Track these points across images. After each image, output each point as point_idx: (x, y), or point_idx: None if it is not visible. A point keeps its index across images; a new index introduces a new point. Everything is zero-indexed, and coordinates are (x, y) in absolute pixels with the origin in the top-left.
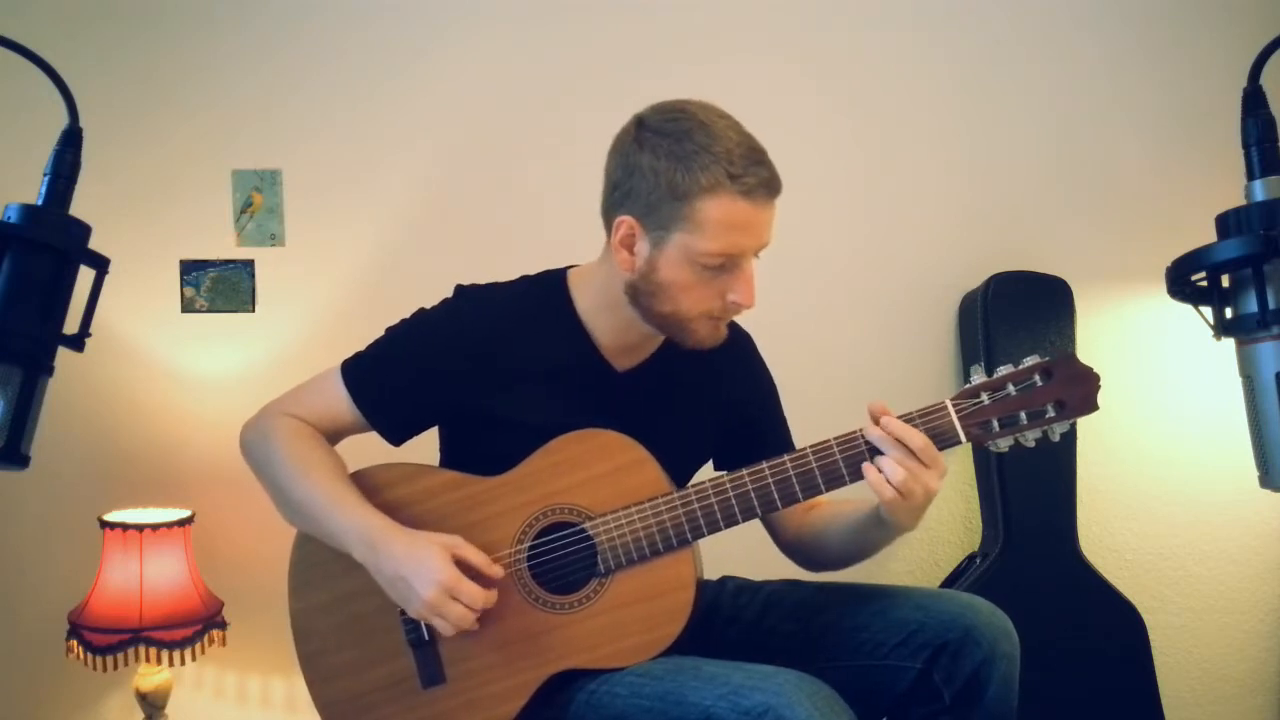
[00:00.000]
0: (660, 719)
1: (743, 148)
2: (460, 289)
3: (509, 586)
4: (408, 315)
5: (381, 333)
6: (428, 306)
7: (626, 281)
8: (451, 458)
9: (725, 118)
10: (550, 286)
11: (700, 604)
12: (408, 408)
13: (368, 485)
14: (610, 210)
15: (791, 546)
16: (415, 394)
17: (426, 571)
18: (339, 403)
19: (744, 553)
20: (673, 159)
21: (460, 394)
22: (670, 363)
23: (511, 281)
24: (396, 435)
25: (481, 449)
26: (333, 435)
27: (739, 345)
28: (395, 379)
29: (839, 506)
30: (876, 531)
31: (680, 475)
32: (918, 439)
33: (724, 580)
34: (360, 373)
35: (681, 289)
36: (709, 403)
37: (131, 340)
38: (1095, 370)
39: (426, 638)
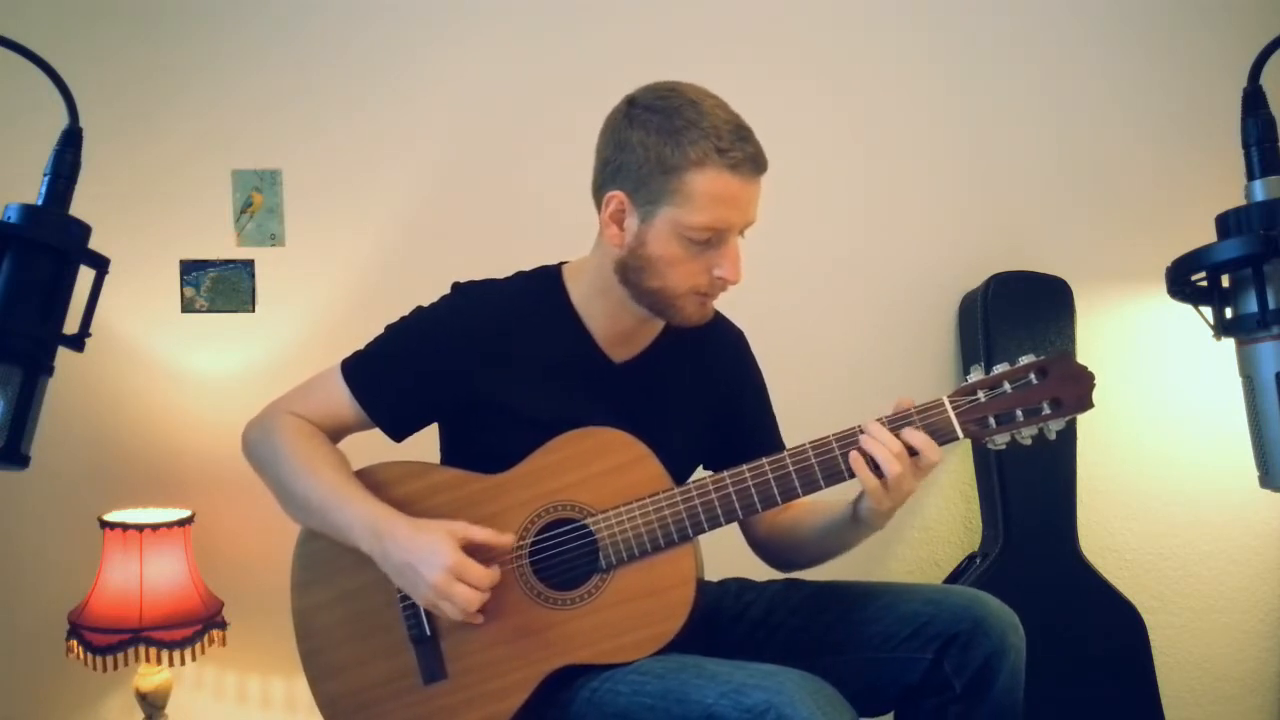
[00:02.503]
0: (662, 717)
1: (730, 125)
2: (458, 285)
3: (511, 583)
4: (407, 313)
5: (381, 331)
6: (426, 305)
7: (616, 259)
8: (451, 454)
9: (713, 97)
10: (546, 281)
11: (702, 603)
12: (408, 404)
13: (371, 483)
14: (601, 187)
15: (763, 544)
16: (415, 390)
17: (433, 556)
18: (341, 401)
19: (745, 554)
20: (662, 134)
21: (460, 389)
22: (666, 355)
23: (508, 278)
24: (398, 431)
25: (481, 444)
26: (335, 433)
27: (732, 342)
28: (395, 375)
29: (812, 505)
30: (849, 529)
31: (678, 469)
32: (919, 439)
33: (726, 582)
34: (361, 370)
35: (669, 263)
36: (703, 396)
37: (131, 340)
38: (1090, 370)
39: (428, 633)
